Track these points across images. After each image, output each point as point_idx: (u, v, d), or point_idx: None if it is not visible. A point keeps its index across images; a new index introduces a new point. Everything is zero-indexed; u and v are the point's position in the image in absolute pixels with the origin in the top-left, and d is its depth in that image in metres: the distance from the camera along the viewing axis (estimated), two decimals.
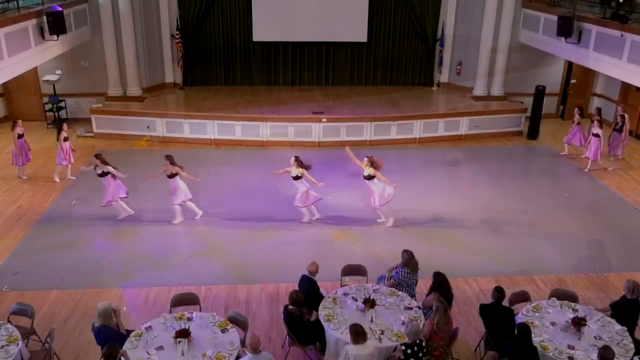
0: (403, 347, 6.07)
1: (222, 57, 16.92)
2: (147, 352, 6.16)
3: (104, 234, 10.12)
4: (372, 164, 10.03)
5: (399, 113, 14.73)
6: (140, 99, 15.59)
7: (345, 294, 7.26)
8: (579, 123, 13.59)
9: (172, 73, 16.82)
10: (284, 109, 14.98)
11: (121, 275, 8.86)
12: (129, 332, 6.54)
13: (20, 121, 12.12)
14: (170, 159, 10.02)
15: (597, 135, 12.73)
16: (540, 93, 15.09)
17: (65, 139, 11.98)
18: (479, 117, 15.15)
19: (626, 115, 13.02)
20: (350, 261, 8.23)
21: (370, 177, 10.08)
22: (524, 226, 10.65)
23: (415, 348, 6.07)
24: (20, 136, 11.95)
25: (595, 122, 12.86)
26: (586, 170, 13.04)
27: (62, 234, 10.07)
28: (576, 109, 13.73)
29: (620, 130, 12.86)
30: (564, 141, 14.03)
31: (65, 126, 12.16)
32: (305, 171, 10.06)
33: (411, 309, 6.97)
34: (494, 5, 15.51)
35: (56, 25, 12.32)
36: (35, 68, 14.47)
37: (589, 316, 6.86)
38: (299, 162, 10.05)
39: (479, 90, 16.36)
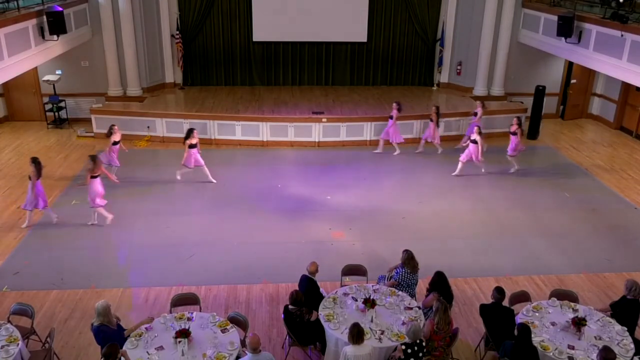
0: (403, 347, 6.08)
1: (222, 57, 16.93)
2: (147, 352, 6.16)
3: (104, 233, 10.11)
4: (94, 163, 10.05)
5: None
6: (140, 99, 15.60)
7: (345, 294, 7.26)
8: (396, 119, 13.59)
9: (172, 73, 16.83)
10: (284, 109, 14.99)
11: (121, 274, 8.87)
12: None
13: (116, 127, 12.08)
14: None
15: (474, 142, 12.35)
16: (540, 93, 15.10)
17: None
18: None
19: (395, 104, 13.57)
20: (350, 261, 8.24)
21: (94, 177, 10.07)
22: (524, 226, 10.65)
23: (416, 348, 6.07)
24: (115, 143, 11.92)
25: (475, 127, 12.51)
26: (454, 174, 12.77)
27: (62, 234, 10.07)
28: (394, 103, 13.70)
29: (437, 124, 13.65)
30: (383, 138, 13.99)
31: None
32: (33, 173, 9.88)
33: (411, 309, 6.98)
34: (494, 5, 15.53)
35: (56, 25, 12.32)
36: (35, 68, 14.49)
37: (589, 316, 6.86)
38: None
39: (479, 90, 16.38)
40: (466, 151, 12.61)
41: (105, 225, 10.30)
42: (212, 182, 12.06)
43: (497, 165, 13.31)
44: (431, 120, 13.76)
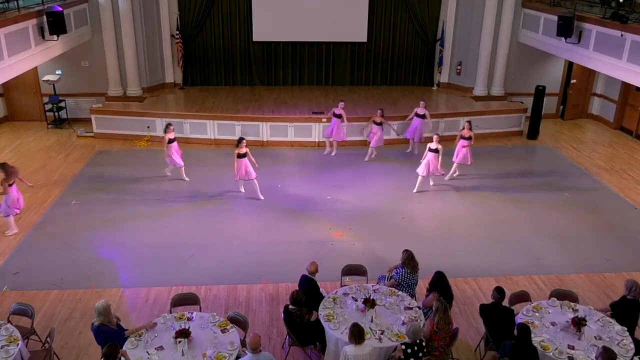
0: (403, 347, 6.08)
1: (222, 57, 16.93)
2: (147, 352, 6.16)
3: (104, 234, 10.10)
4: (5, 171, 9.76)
5: (399, 113, 14.71)
6: (140, 99, 15.60)
7: (345, 294, 7.26)
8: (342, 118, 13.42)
9: (172, 73, 16.83)
10: (284, 109, 14.99)
11: (121, 275, 8.86)
12: None
13: (172, 126, 11.93)
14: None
15: (435, 151, 11.46)
16: (540, 93, 15.10)
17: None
18: (479, 117, 15.13)
19: (341, 104, 13.44)
20: (350, 261, 8.24)
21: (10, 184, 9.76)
22: (524, 226, 10.64)
23: (416, 348, 6.07)
24: (171, 141, 11.79)
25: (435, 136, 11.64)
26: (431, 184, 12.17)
27: (62, 234, 10.07)
28: (341, 102, 13.52)
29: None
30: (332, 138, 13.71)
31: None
32: None
33: (411, 309, 6.98)
34: (494, 6, 15.54)
35: (56, 25, 12.32)
36: (35, 68, 14.48)
37: (589, 316, 6.86)
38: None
39: (479, 90, 16.38)
40: (424, 163, 11.57)
41: (105, 224, 10.29)
42: (260, 198, 11.29)
43: (496, 165, 13.34)
44: (375, 123, 13.32)
